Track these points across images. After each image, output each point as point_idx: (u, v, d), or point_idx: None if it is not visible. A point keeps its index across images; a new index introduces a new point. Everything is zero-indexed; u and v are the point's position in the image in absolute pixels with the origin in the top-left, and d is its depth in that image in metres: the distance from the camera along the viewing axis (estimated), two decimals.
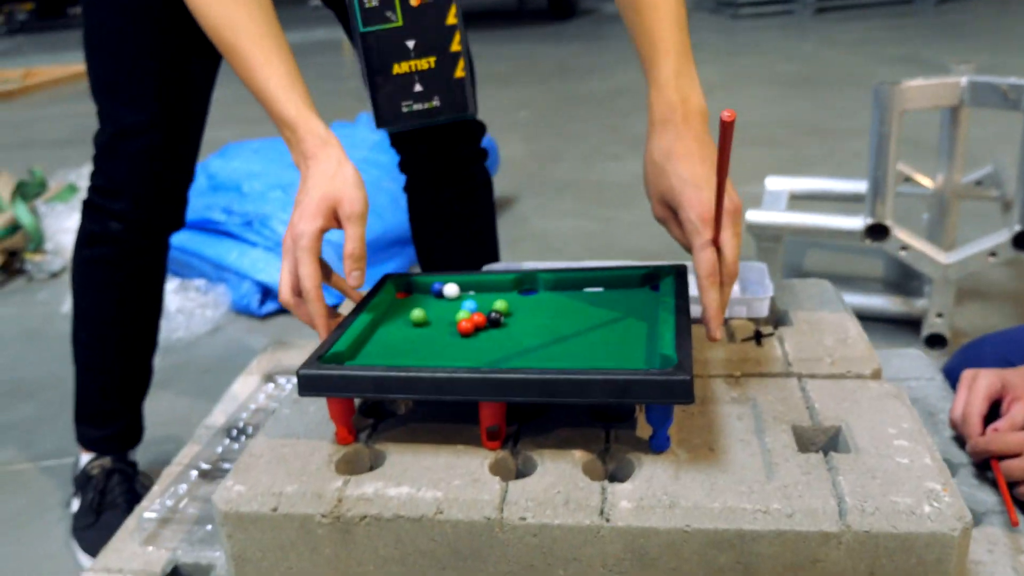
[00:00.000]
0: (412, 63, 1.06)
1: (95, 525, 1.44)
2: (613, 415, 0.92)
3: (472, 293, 1.08)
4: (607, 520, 0.77)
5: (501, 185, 3.07)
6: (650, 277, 1.05)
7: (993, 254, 1.79)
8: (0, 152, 4.66)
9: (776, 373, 0.99)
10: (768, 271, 1.18)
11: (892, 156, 1.77)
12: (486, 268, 1.24)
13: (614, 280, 1.06)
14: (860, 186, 2.14)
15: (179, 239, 2.45)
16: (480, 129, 1.48)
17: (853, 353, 1.01)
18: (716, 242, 0.90)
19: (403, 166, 1.51)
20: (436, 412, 0.93)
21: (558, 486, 0.81)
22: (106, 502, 1.46)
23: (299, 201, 0.97)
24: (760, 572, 0.77)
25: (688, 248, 0.95)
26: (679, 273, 1.02)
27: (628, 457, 0.85)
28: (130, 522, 1.04)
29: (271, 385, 1.29)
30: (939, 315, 1.89)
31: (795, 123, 4.12)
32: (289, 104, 1.00)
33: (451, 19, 1.05)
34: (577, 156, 3.81)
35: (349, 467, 0.89)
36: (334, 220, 0.98)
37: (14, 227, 2.82)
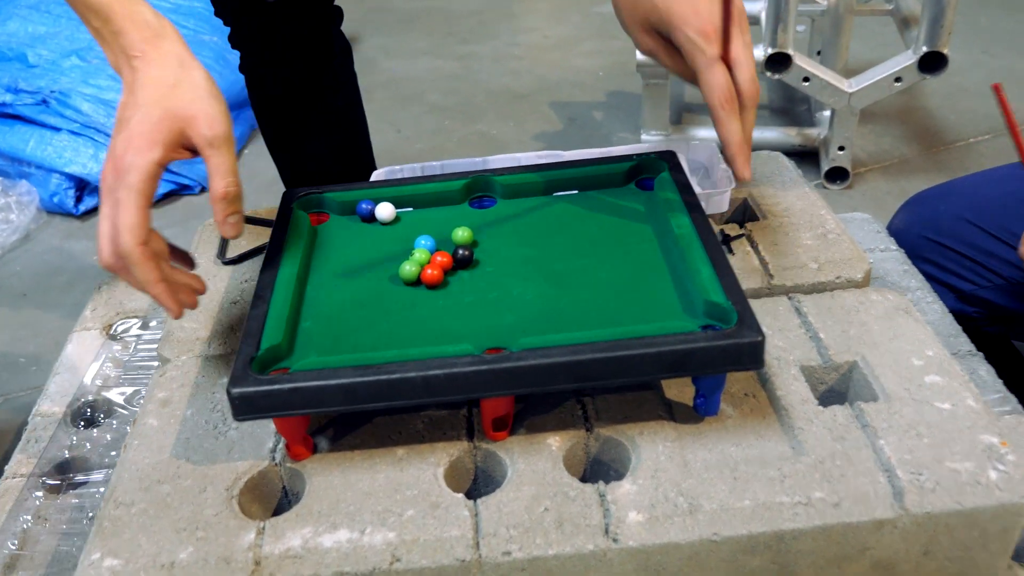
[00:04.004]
0: None
1: None
2: None
3: (410, 210, 0.84)
4: (615, 541, 0.60)
5: None
6: (635, 171, 0.84)
7: (898, 79, 1.67)
8: None
9: (759, 290, 0.82)
10: (718, 149, 0.99)
11: None
12: (423, 169, 0.98)
13: (591, 179, 0.84)
14: (752, 6, 1.95)
15: None
16: None
17: (839, 252, 0.85)
18: (726, 58, 0.70)
19: (236, 40, 1.19)
20: None
21: (543, 499, 0.63)
22: None
23: (125, 119, 0.66)
24: (799, 570, 0.63)
25: (690, 78, 0.74)
26: (673, 164, 0.82)
27: (614, 437, 0.68)
28: None
29: (116, 345, 1.02)
30: (841, 148, 1.78)
31: None
32: None
33: None
34: None
35: (258, 501, 0.67)
36: (180, 148, 0.69)
37: None
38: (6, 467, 0.90)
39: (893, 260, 1.06)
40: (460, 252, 0.74)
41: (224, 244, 0.94)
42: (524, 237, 0.78)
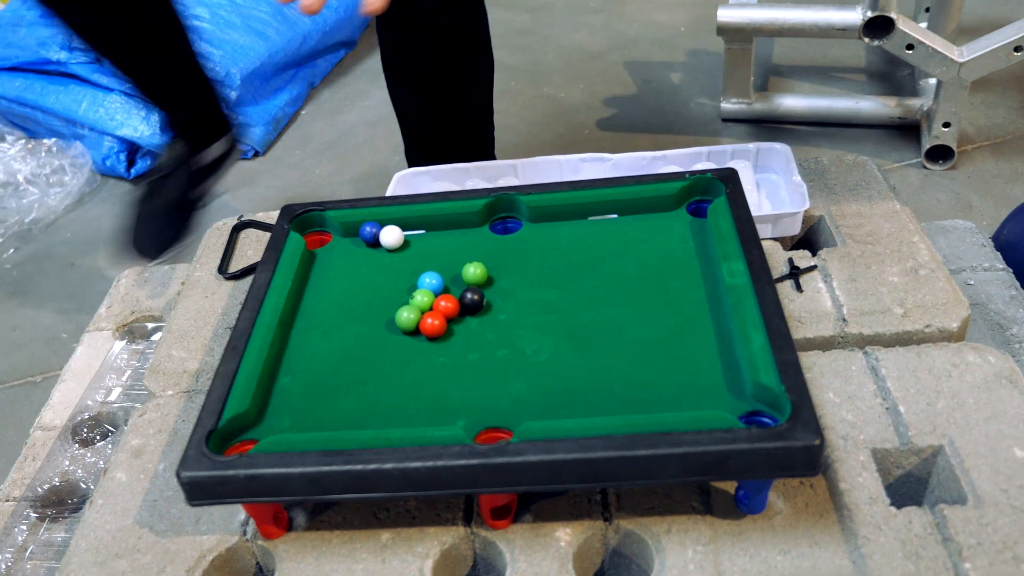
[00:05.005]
0: None
1: None
2: None
3: (422, 233, 0.73)
4: None
5: None
6: (687, 193, 0.71)
7: (1019, 48, 1.46)
8: None
9: (830, 339, 0.69)
10: (792, 155, 0.85)
11: None
12: (451, 172, 0.86)
13: (634, 202, 0.71)
14: None
15: (15, 87, 1.96)
16: None
17: (931, 294, 0.71)
18: None
19: None
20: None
21: None
22: None
23: None
24: None
25: None
26: (731, 188, 0.68)
27: (636, 532, 0.57)
28: None
29: (124, 354, 0.96)
30: (946, 124, 1.58)
31: None
32: None
33: None
34: None
35: None
36: None
37: None
38: (1, 486, 0.85)
39: (998, 282, 0.91)
40: (469, 297, 0.63)
41: (227, 256, 0.85)
42: (548, 275, 0.66)
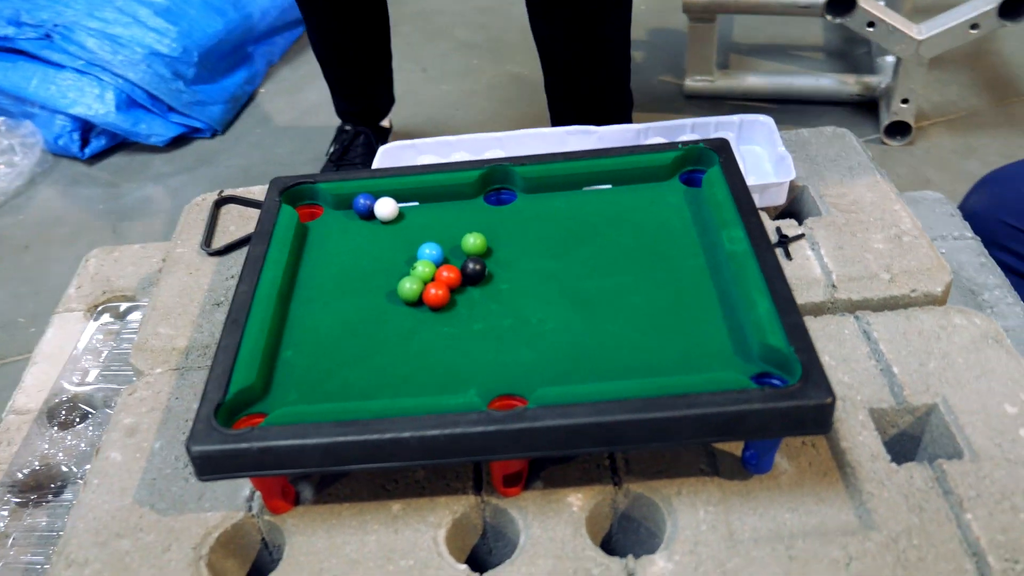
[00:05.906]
0: None
1: None
2: None
3: (416, 204, 0.73)
4: None
5: None
6: (681, 163, 0.72)
7: (975, 26, 1.50)
8: None
9: (821, 304, 0.71)
10: (776, 126, 0.86)
11: None
12: (436, 145, 0.86)
13: (627, 172, 0.71)
14: None
15: None
16: None
17: (915, 260, 0.73)
18: None
19: None
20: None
21: (559, 574, 0.53)
22: None
23: None
24: None
25: None
26: (725, 157, 0.69)
27: (646, 495, 0.58)
28: None
29: (99, 334, 0.93)
30: (904, 101, 1.62)
31: None
32: None
33: None
34: None
35: (233, 556, 0.58)
36: None
37: None
38: None
39: (968, 250, 0.93)
40: (471, 266, 0.63)
41: (210, 231, 0.84)
42: (547, 245, 0.67)
